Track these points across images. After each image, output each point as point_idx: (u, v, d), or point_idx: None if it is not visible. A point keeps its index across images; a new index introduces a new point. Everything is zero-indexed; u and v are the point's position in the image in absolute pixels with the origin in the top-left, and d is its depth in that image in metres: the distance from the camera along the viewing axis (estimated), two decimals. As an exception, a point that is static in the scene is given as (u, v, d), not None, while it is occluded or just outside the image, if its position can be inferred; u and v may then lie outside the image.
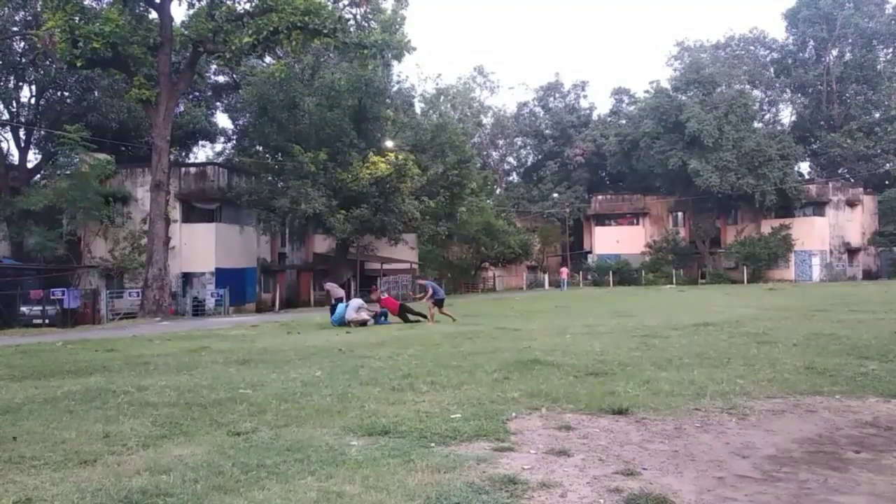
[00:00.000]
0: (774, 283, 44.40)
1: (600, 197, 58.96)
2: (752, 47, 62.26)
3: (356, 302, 19.30)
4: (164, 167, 28.69)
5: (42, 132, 38.26)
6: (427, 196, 36.05)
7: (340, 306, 19.41)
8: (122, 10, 27.94)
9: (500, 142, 68.52)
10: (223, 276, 33.03)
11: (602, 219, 58.00)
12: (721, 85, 51.24)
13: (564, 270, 51.00)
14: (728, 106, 49.06)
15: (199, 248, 32.95)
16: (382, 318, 19.33)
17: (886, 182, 57.96)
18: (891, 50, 59.58)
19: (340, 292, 21.64)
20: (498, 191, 65.79)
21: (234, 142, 47.75)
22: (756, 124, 53.98)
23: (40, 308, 26.87)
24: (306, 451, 5.12)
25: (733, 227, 54.03)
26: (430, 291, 19.40)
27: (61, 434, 5.92)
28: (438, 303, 19.31)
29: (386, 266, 41.02)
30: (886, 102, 57.24)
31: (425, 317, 19.01)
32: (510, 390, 7.57)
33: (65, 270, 32.63)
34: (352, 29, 29.50)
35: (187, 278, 33.00)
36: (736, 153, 47.98)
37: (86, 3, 28.92)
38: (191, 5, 30.55)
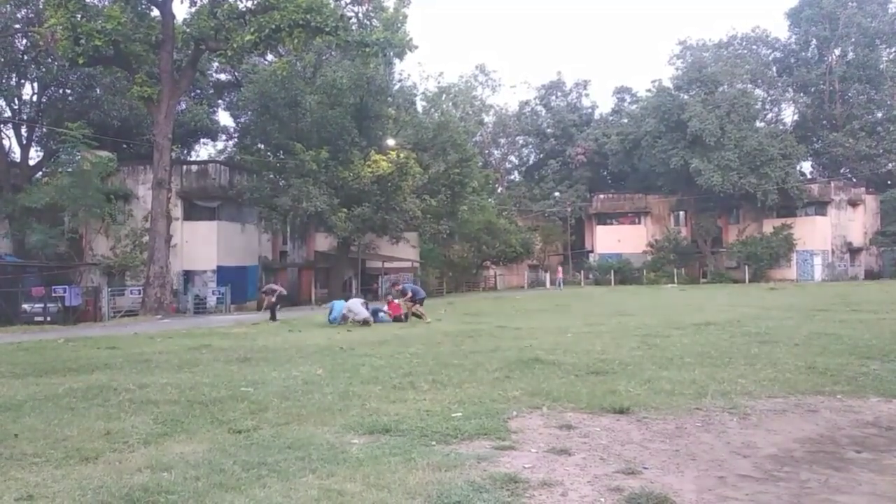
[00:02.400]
0: (776, 283, 44.34)
1: (602, 196, 58.88)
2: (754, 46, 62.10)
3: (356, 301, 19.36)
4: (166, 165, 28.70)
5: (44, 129, 38.23)
6: (428, 194, 36.03)
7: (338, 304, 19.61)
8: (124, 8, 27.90)
9: (502, 140, 68.46)
10: (224, 274, 33.03)
11: (603, 218, 57.91)
12: (723, 84, 51.12)
13: (559, 270, 51.43)
14: (730, 105, 48.96)
15: (201, 245, 32.94)
16: (381, 314, 19.44)
17: (889, 182, 57.82)
18: (893, 49, 59.40)
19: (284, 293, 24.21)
20: (499, 189, 65.72)
21: (236, 140, 47.68)
22: (758, 123, 53.82)
23: (42, 305, 26.86)
24: (307, 449, 5.12)
25: (735, 226, 53.93)
26: (410, 294, 19.91)
27: (63, 431, 5.94)
28: (419, 301, 19.75)
29: (387, 265, 41.02)
30: (889, 102, 57.07)
31: (418, 315, 19.20)
32: (511, 389, 7.57)
33: (66, 268, 32.65)
34: (354, 27, 29.47)
35: (189, 276, 33.00)
36: (738, 152, 47.89)
37: (88, 0, 28.89)
38: (193, 3, 30.52)
